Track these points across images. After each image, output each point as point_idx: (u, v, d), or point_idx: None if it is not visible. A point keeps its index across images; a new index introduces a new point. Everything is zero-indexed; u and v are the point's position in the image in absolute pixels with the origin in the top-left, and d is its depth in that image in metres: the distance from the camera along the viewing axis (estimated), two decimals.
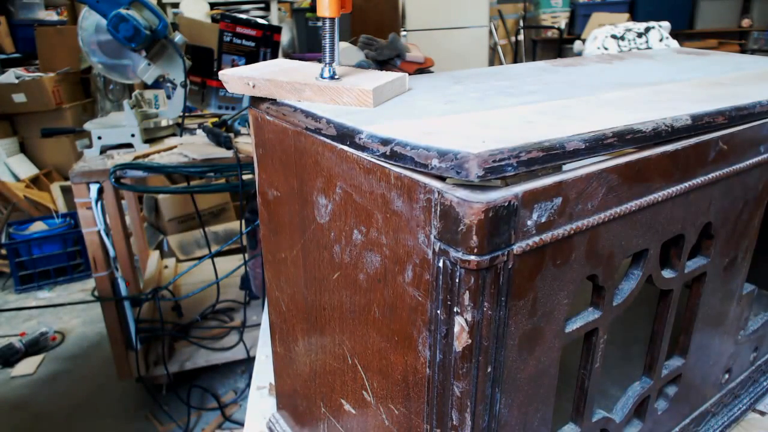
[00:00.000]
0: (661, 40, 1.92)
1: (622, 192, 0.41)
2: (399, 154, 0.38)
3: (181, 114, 1.75)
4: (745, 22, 4.79)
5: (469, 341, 0.36)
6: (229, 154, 1.57)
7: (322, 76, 0.51)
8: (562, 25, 4.86)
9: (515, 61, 4.92)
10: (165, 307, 2.10)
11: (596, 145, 0.39)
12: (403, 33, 3.65)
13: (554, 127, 0.41)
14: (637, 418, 0.58)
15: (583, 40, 2.29)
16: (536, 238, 0.36)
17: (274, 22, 3.02)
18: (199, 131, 1.82)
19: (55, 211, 2.99)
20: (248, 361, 2.00)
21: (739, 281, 0.61)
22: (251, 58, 1.96)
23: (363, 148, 0.41)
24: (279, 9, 3.21)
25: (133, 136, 1.64)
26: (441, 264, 0.36)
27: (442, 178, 0.36)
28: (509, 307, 0.37)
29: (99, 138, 1.64)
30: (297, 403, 0.64)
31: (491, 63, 4.47)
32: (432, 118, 0.44)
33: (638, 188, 0.42)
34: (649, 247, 0.46)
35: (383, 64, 1.99)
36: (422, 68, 2.04)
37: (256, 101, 0.55)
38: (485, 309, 0.36)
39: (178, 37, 1.63)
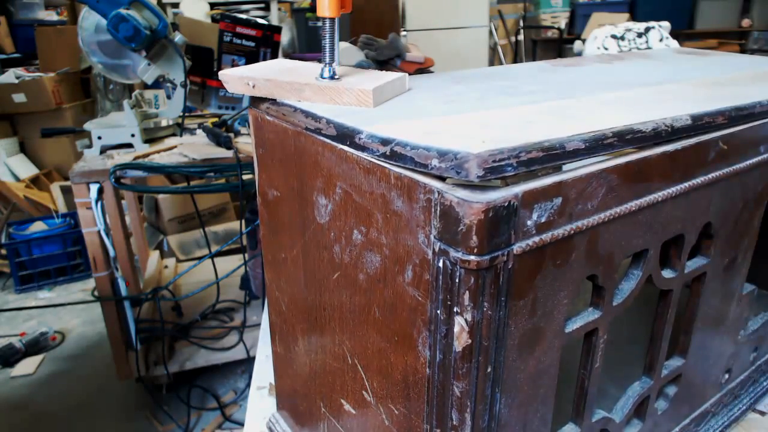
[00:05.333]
0: (661, 40, 1.92)
1: (622, 192, 0.41)
2: (399, 154, 0.38)
3: (181, 114, 1.75)
4: (745, 22, 4.79)
5: (469, 341, 0.36)
6: (229, 154, 1.57)
7: (322, 76, 0.51)
8: (562, 25, 4.86)
9: (515, 61, 4.92)
10: (165, 307, 2.09)
11: (596, 145, 0.39)
12: (403, 33, 3.65)
13: (554, 127, 0.41)
14: (637, 418, 0.58)
15: (583, 40, 2.29)
16: (536, 238, 0.36)
17: (274, 22, 3.03)
18: (199, 131, 1.82)
19: (55, 211, 2.99)
20: (248, 361, 2.00)
21: (739, 281, 0.61)
22: (251, 58, 1.96)
23: (363, 148, 0.41)
24: (279, 9, 3.21)
25: (133, 136, 1.64)
26: (441, 264, 0.36)
27: (442, 178, 0.36)
28: (509, 307, 0.37)
29: (99, 138, 1.64)
30: (297, 403, 0.64)
31: (491, 63, 4.47)
32: (432, 118, 0.44)
33: (638, 188, 0.42)
34: (649, 247, 0.46)
35: (383, 64, 1.99)
36: (422, 68, 2.04)
37: (256, 101, 0.55)
38: (485, 309, 0.36)
39: (178, 37, 1.63)
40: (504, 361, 0.39)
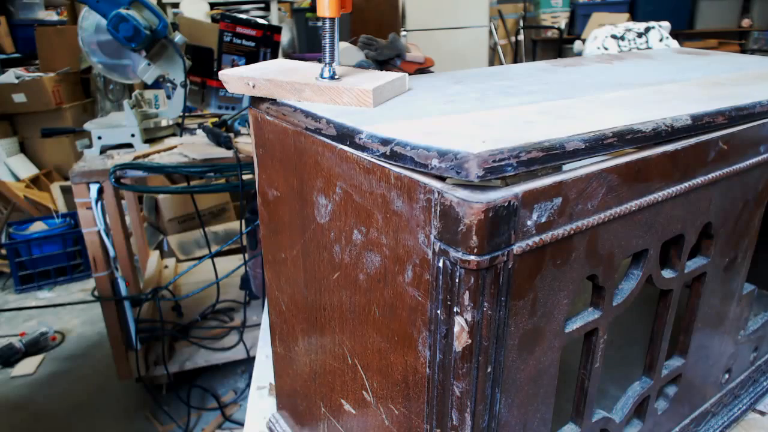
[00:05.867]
0: (661, 40, 1.92)
1: (622, 192, 0.41)
2: (399, 154, 0.38)
3: (181, 114, 1.75)
4: (745, 22, 4.79)
5: (469, 341, 0.36)
6: (229, 154, 1.57)
7: (322, 76, 0.51)
8: (562, 25, 4.86)
9: (515, 61, 4.92)
10: (165, 307, 2.09)
11: (596, 145, 0.39)
12: (403, 33, 3.65)
13: (554, 127, 0.41)
14: (637, 418, 0.58)
15: (583, 40, 2.29)
16: (536, 238, 0.36)
17: (274, 22, 3.02)
18: (199, 131, 1.82)
19: (55, 211, 2.99)
20: (248, 361, 2.00)
21: (739, 281, 0.61)
22: (251, 58, 1.96)
23: (363, 148, 0.41)
24: (279, 9, 3.21)
25: (133, 136, 1.64)
26: (441, 264, 0.36)
27: (442, 178, 0.36)
28: (509, 307, 0.37)
29: (99, 138, 1.64)
30: (297, 403, 0.64)
31: (491, 63, 4.47)
32: (432, 118, 0.44)
33: (638, 188, 0.42)
34: (649, 247, 0.46)
35: (383, 64, 1.99)
36: (422, 68, 2.04)
37: (256, 101, 0.55)
38: (485, 309, 0.36)
39: (178, 37, 1.63)
40: (504, 361, 0.39)
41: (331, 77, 0.51)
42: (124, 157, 1.58)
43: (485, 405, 0.39)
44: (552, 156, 0.37)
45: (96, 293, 1.68)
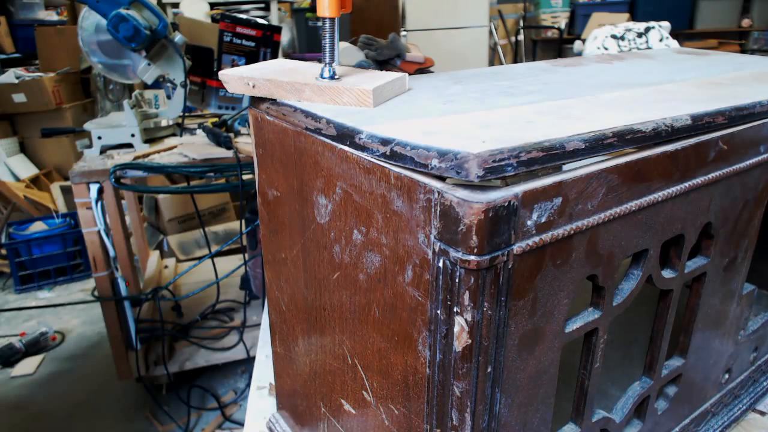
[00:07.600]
0: (661, 40, 1.92)
1: (622, 192, 0.41)
2: (399, 154, 0.38)
3: (181, 114, 1.75)
4: (745, 22, 4.79)
5: (469, 341, 0.36)
6: (229, 154, 1.57)
7: (322, 76, 0.51)
8: (562, 25, 4.86)
9: (515, 61, 4.92)
10: (165, 307, 2.10)
11: (596, 145, 0.39)
12: (403, 33, 3.65)
13: (554, 127, 0.41)
14: (637, 418, 0.58)
15: (583, 40, 2.29)
16: (536, 238, 0.36)
17: (274, 22, 3.02)
18: (199, 131, 1.82)
19: (55, 211, 2.99)
20: (248, 361, 2.00)
21: (739, 281, 0.61)
22: (251, 58, 1.96)
23: (363, 148, 0.41)
24: (279, 9, 3.21)
25: (133, 136, 1.64)
26: (441, 264, 0.36)
27: (442, 178, 0.36)
28: (509, 307, 0.37)
29: (99, 138, 1.64)
30: (297, 403, 0.64)
31: (491, 63, 4.47)
32: (432, 118, 0.44)
33: (638, 188, 0.42)
34: (649, 247, 0.46)
35: (383, 64, 1.99)
36: (422, 68, 2.04)
37: (256, 101, 0.55)
38: (485, 309, 0.36)
39: (178, 37, 1.63)
40: (504, 361, 0.39)
41: (331, 77, 0.51)
42: (124, 157, 1.58)
43: (485, 405, 0.39)
44: (552, 156, 0.37)
45: (96, 293, 1.68)
